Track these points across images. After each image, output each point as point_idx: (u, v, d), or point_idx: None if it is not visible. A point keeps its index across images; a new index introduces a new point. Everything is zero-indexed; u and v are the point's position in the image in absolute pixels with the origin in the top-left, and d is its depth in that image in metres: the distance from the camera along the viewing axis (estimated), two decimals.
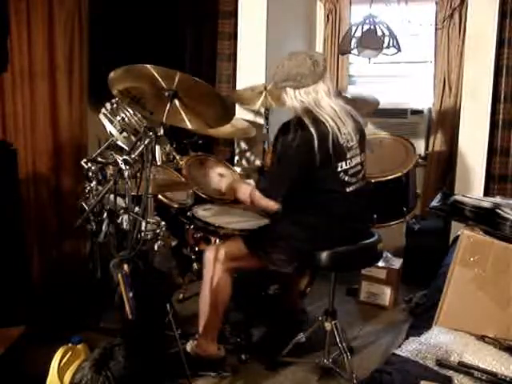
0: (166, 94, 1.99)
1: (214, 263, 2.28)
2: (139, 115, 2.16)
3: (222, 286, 2.28)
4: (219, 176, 2.44)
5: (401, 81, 4.05)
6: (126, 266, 1.88)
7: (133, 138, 2.08)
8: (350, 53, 3.52)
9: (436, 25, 3.76)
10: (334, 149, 2.10)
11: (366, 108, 3.34)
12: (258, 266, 2.27)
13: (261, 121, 3.66)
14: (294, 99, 2.16)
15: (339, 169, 2.15)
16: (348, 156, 2.17)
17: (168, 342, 2.21)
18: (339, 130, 2.12)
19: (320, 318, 2.37)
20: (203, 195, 3.00)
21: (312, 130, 2.06)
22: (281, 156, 2.16)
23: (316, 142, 2.05)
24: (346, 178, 2.18)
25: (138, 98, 2.06)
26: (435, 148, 3.80)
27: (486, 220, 1.83)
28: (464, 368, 1.44)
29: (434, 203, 2.06)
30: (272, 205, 2.20)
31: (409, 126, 3.86)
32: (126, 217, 1.93)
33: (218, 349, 2.36)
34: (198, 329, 2.37)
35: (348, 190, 2.19)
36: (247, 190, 2.27)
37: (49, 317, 2.55)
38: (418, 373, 1.43)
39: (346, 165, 2.17)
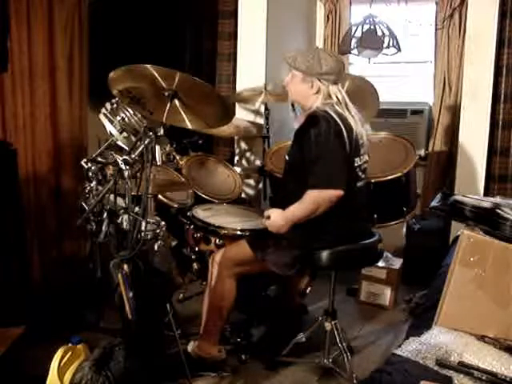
0: (166, 94, 1.99)
1: (220, 268, 2.29)
2: (139, 115, 2.15)
3: (227, 291, 2.29)
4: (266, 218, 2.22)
5: (401, 81, 4.05)
6: (125, 266, 1.88)
7: (133, 138, 2.07)
8: (350, 53, 3.53)
9: (436, 25, 3.77)
10: (355, 143, 2.14)
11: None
12: (262, 270, 2.26)
13: (261, 121, 3.66)
14: (326, 94, 2.16)
15: (355, 164, 2.18)
16: (361, 152, 2.21)
17: (168, 342, 2.21)
18: (357, 126, 2.17)
19: (320, 318, 2.37)
20: (203, 195, 3.00)
21: (340, 122, 2.09)
22: (322, 145, 2.06)
23: (345, 134, 2.08)
24: (359, 174, 2.22)
25: (137, 98, 2.06)
26: (435, 148, 3.80)
27: (486, 220, 1.83)
28: (464, 368, 1.43)
29: (434, 203, 2.06)
30: (338, 193, 2.04)
31: (409, 126, 3.86)
32: (126, 217, 1.93)
33: (219, 351, 2.36)
34: (200, 329, 2.37)
35: (358, 184, 2.22)
36: (303, 203, 2.09)
37: (49, 317, 2.55)
38: (417, 373, 1.43)
39: (360, 161, 2.20)
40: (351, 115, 2.17)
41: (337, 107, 2.15)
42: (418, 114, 3.88)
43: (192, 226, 2.59)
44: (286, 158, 2.30)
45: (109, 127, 2.15)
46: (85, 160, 2.05)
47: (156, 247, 2.11)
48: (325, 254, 2.14)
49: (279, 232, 2.16)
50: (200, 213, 2.64)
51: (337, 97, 2.17)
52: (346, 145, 2.08)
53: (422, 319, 1.99)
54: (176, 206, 2.91)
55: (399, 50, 3.40)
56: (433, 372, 1.44)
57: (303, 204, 2.10)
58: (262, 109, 3.58)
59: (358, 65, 4.14)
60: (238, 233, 2.45)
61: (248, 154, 3.85)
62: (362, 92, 2.93)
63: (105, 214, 1.95)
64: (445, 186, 3.65)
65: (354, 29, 3.41)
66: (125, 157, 1.84)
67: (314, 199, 2.07)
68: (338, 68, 2.17)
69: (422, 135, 3.88)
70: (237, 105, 3.71)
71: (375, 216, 2.64)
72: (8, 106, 2.76)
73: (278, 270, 2.22)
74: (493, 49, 3.20)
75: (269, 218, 2.20)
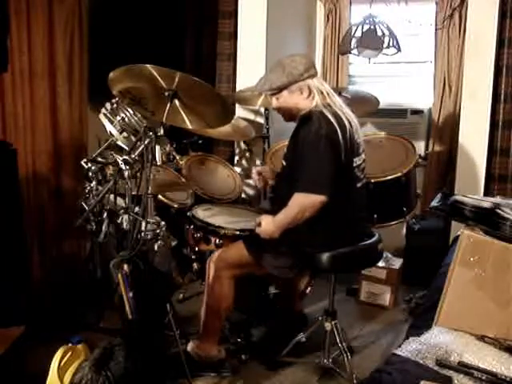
0: (166, 93, 1.99)
1: (218, 270, 2.28)
2: (139, 115, 2.16)
3: (226, 293, 2.28)
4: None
5: (401, 81, 4.05)
6: (125, 266, 1.88)
7: (133, 138, 2.08)
8: (350, 53, 3.52)
9: (436, 25, 3.76)
10: (351, 143, 2.10)
11: (365, 107, 3.35)
12: (261, 272, 2.26)
13: (261, 121, 3.66)
14: (317, 90, 2.12)
15: (354, 164, 2.15)
16: (359, 151, 2.18)
17: (168, 342, 2.21)
18: (351, 125, 2.12)
19: (320, 318, 2.37)
20: (203, 195, 3.00)
21: (334, 122, 2.05)
22: (310, 146, 2.03)
23: (340, 134, 2.04)
24: (358, 174, 2.19)
25: (138, 98, 2.06)
26: (435, 148, 3.80)
27: (486, 220, 1.83)
28: (464, 368, 1.44)
29: (434, 203, 2.06)
30: (321, 199, 2.00)
31: (409, 126, 3.85)
32: (126, 217, 1.93)
33: (219, 351, 2.36)
34: (199, 330, 2.37)
35: (358, 185, 2.20)
36: (289, 209, 2.06)
37: (49, 317, 2.55)
38: (417, 373, 1.43)
39: (359, 161, 2.18)
40: (342, 111, 2.11)
41: (335, 108, 2.10)
42: (417, 113, 3.87)
43: (192, 226, 2.59)
44: (283, 162, 2.27)
45: (109, 127, 2.16)
46: (85, 160, 2.06)
47: (156, 247, 2.11)
48: (325, 257, 2.13)
49: (272, 237, 2.14)
50: (200, 213, 2.64)
51: (324, 90, 2.12)
52: (339, 147, 2.03)
53: (421, 319, 1.99)
54: (176, 206, 2.91)
55: (399, 50, 3.40)
56: (433, 372, 1.44)
57: (289, 209, 2.07)
58: (262, 109, 3.58)
59: (358, 65, 4.14)
60: (238, 233, 2.44)
61: (248, 154, 3.85)
62: None
63: (105, 214, 1.96)
64: (445, 186, 3.65)
65: (354, 29, 3.40)
66: (125, 157, 1.85)
67: (299, 204, 2.04)
68: (310, 60, 2.16)
69: (421, 135, 3.88)
70: (237, 105, 3.72)
71: (375, 216, 2.64)
72: (8, 106, 2.76)
73: (277, 273, 2.22)
74: (493, 49, 3.20)
75: (260, 224, 2.16)
